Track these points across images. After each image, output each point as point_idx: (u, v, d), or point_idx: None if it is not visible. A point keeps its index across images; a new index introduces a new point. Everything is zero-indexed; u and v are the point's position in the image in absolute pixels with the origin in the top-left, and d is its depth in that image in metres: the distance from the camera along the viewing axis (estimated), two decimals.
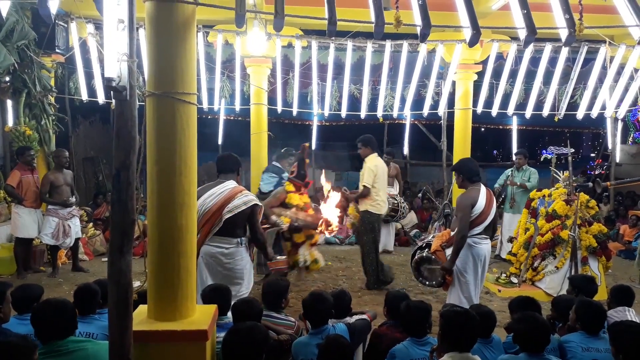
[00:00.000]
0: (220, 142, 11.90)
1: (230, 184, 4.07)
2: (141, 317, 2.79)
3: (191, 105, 2.77)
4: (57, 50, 7.27)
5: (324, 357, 2.67)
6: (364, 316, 3.55)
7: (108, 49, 2.24)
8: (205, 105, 9.06)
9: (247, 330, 2.53)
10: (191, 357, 2.68)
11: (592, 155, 22.64)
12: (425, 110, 9.30)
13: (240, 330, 2.56)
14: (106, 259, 7.02)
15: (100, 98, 8.47)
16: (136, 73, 2.32)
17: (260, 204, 4.15)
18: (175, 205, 2.74)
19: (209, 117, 11.69)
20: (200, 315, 2.86)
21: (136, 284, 3.42)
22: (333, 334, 2.93)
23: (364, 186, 6.06)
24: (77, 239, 6.89)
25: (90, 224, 8.23)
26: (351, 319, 3.42)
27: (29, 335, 2.89)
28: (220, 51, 8.10)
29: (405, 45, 8.04)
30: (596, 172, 16.31)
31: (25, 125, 7.20)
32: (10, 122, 7.48)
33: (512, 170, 7.97)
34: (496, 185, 8.06)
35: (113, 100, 2.32)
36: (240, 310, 3.10)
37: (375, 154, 6.23)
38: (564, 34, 3.70)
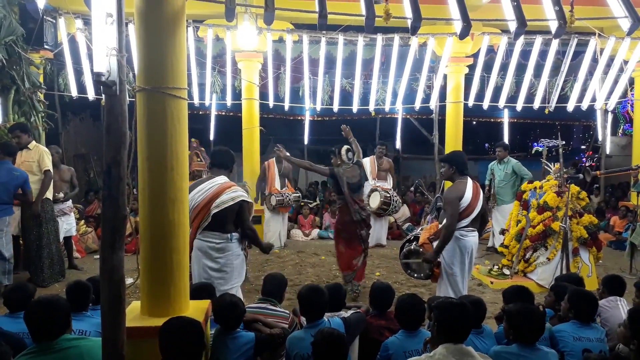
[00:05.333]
0: (212, 137, 11.87)
1: (219, 180, 4.06)
2: (134, 314, 2.78)
3: (182, 100, 2.75)
4: (45, 47, 7.19)
5: (318, 351, 2.66)
6: (359, 310, 3.55)
7: (97, 44, 2.22)
8: (196, 101, 9.03)
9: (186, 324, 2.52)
10: None
11: (583, 147, 22.76)
12: (417, 104, 9.34)
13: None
14: (98, 257, 7.01)
15: (90, 94, 8.42)
16: (126, 68, 2.30)
17: (249, 200, 4.12)
18: (166, 201, 2.73)
19: (200, 112, 11.65)
20: (193, 311, 2.85)
21: (129, 280, 3.41)
22: (327, 327, 2.92)
23: (48, 171, 5.90)
24: (69, 237, 6.84)
25: (82, 222, 8.16)
26: (346, 313, 3.42)
27: (21, 334, 2.89)
28: (211, 46, 8.06)
29: (397, 38, 8.05)
30: (587, 164, 16.45)
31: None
32: None
33: (495, 163, 7.95)
34: (486, 182, 8.04)
35: (103, 97, 2.30)
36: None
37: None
38: (554, 25, 3.72)
